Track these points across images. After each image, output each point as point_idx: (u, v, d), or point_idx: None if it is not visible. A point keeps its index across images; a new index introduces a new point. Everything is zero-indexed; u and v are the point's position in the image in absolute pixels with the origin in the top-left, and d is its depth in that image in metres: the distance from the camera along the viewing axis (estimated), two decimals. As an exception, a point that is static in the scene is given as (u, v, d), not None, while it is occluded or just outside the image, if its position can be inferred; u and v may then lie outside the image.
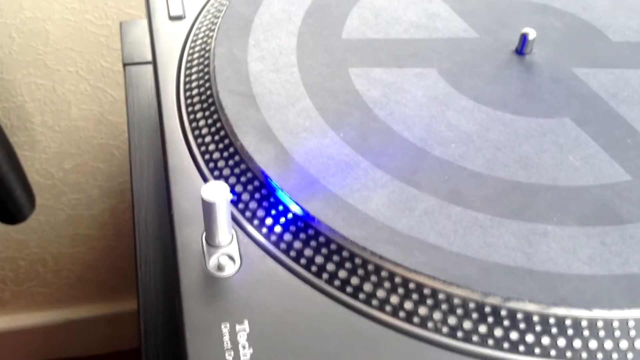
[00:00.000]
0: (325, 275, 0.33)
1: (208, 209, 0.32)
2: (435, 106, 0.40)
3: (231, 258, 0.34)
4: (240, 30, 0.44)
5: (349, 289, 0.32)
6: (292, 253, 0.34)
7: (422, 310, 0.31)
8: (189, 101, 0.41)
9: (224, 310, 0.32)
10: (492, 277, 0.32)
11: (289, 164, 0.36)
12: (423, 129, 0.39)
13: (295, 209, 0.34)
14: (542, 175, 0.37)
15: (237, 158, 0.37)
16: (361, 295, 0.32)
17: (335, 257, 0.33)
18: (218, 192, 0.32)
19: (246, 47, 0.43)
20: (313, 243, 0.34)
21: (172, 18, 0.47)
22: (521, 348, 0.31)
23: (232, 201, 0.36)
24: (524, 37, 0.44)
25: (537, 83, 0.43)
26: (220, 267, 0.33)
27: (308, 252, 0.33)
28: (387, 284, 0.32)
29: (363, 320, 0.32)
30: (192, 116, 0.40)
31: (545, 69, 0.43)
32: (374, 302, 0.32)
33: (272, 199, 0.35)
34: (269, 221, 0.35)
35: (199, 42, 0.45)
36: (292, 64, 0.42)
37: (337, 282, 0.33)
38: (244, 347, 0.30)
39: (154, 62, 0.44)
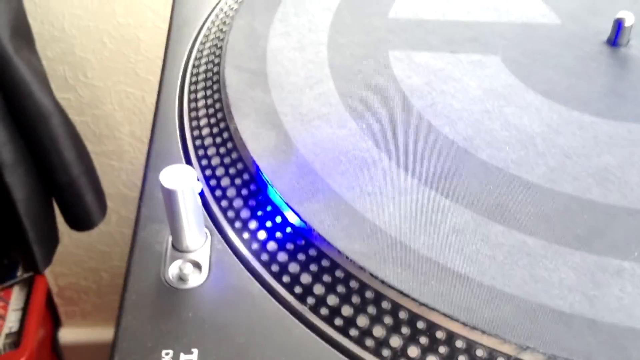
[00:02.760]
0: (310, 300, 0.25)
1: (169, 199, 0.25)
2: (492, 100, 0.32)
3: (197, 266, 0.26)
4: (268, 2, 0.37)
5: (337, 321, 0.24)
6: (274, 267, 0.26)
7: (432, 361, 0.23)
8: (194, 78, 0.35)
9: (172, 332, 0.24)
10: (534, 324, 0.23)
11: (290, 155, 0.29)
12: (470, 126, 0.30)
13: (285, 211, 0.27)
14: (624, 194, 0.27)
15: (229, 145, 0.30)
16: (352, 331, 0.24)
17: (326, 277, 0.25)
18: (182, 179, 0.25)
19: (270, 21, 0.36)
20: (301, 257, 0.26)
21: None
22: None
23: (216, 198, 0.29)
24: (618, 24, 0.34)
25: (630, 80, 0.33)
26: (182, 277, 0.26)
27: (294, 267, 0.26)
28: (387, 320, 0.24)
29: (350, 366, 0.23)
30: (193, 95, 0.34)
31: (644, 64, 0.34)
32: (369, 342, 0.24)
33: (260, 197, 0.28)
34: (252, 225, 0.27)
35: (221, 15, 0.38)
36: (321, 43, 0.35)
37: (324, 311, 0.25)
38: (183, 384, 0.23)
39: (169, 33, 0.38)
